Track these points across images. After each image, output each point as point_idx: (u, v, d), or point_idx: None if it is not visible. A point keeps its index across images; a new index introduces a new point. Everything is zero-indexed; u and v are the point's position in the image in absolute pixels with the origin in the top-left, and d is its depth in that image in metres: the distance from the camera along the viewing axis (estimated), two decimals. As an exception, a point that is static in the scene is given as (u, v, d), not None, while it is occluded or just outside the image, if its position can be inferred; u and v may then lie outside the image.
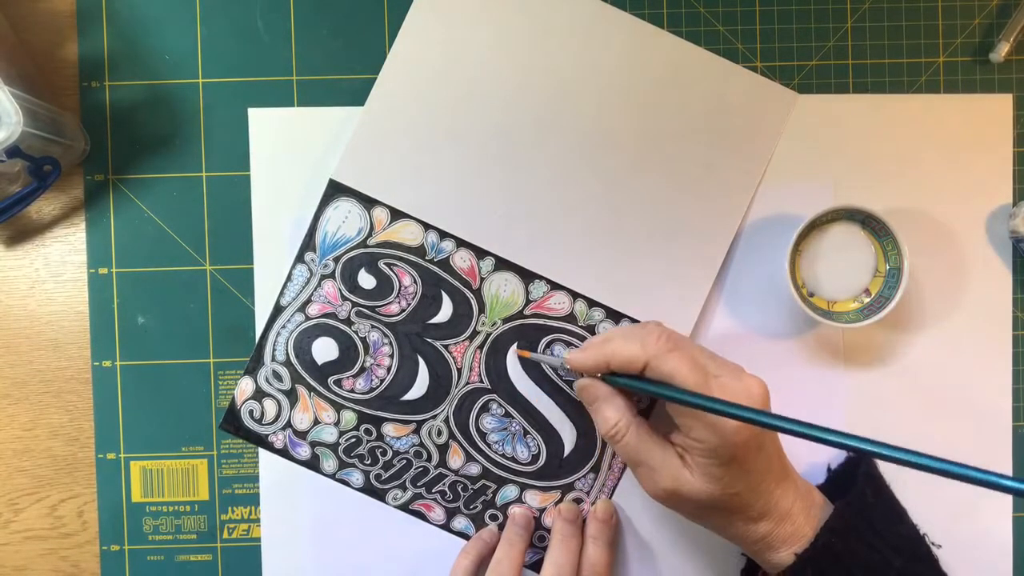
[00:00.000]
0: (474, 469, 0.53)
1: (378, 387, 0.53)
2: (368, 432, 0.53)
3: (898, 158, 0.53)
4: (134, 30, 0.54)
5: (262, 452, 0.54)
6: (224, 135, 0.54)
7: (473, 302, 0.53)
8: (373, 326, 0.53)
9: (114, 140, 0.54)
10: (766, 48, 0.54)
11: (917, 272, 0.53)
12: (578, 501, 0.53)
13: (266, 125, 0.54)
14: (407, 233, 0.53)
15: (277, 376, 0.53)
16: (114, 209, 0.54)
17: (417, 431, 0.53)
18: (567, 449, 0.53)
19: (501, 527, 0.53)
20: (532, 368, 0.53)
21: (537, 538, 0.53)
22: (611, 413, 0.46)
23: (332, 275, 0.53)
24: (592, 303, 0.53)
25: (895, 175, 0.53)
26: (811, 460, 0.53)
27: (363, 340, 0.53)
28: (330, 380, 0.53)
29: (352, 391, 0.53)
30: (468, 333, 0.53)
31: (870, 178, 0.53)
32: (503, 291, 0.53)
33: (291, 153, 0.54)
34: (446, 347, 0.53)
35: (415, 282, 0.53)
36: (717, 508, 0.44)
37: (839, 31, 0.54)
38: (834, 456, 0.53)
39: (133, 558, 0.54)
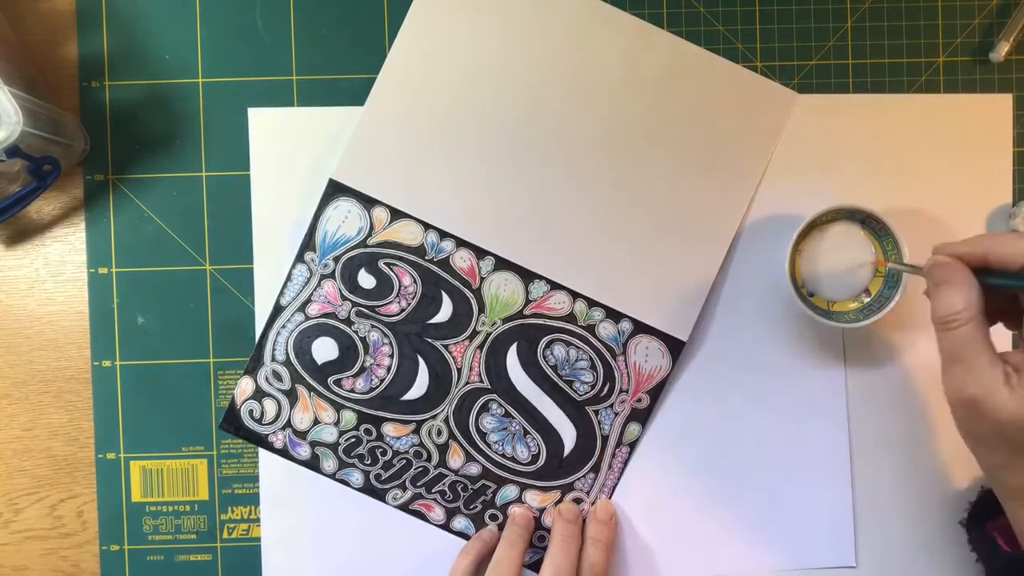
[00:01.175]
0: (474, 469, 0.53)
1: (378, 387, 0.53)
2: (368, 432, 0.53)
3: (898, 158, 0.53)
4: (134, 30, 0.54)
5: (262, 452, 0.54)
6: (224, 135, 0.54)
7: (473, 302, 0.53)
8: (373, 326, 0.53)
9: (114, 140, 0.54)
10: (766, 48, 0.54)
11: (917, 272, 0.53)
12: (578, 501, 0.53)
13: (266, 125, 0.54)
14: (407, 233, 0.53)
15: (277, 376, 0.53)
16: (114, 209, 0.54)
17: (417, 431, 0.53)
18: (567, 449, 0.53)
19: (501, 527, 0.53)
20: (532, 368, 0.53)
21: (537, 538, 0.53)
22: (959, 298, 0.40)
23: (332, 275, 0.53)
24: (592, 303, 0.53)
25: (895, 175, 0.53)
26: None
27: (363, 340, 0.53)
28: (330, 380, 0.53)
29: (352, 391, 0.53)
30: (468, 333, 0.53)
31: (870, 178, 0.53)
32: (503, 291, 0.53)
33: (291, 153, 0.54)
34: (446, 347, 0.53)
35: (415, 282, 0.53)
36: (1014, 442, 0.39)
37: (839, 31, 0.54)
38: None
39: (133, 558, 0.54)
